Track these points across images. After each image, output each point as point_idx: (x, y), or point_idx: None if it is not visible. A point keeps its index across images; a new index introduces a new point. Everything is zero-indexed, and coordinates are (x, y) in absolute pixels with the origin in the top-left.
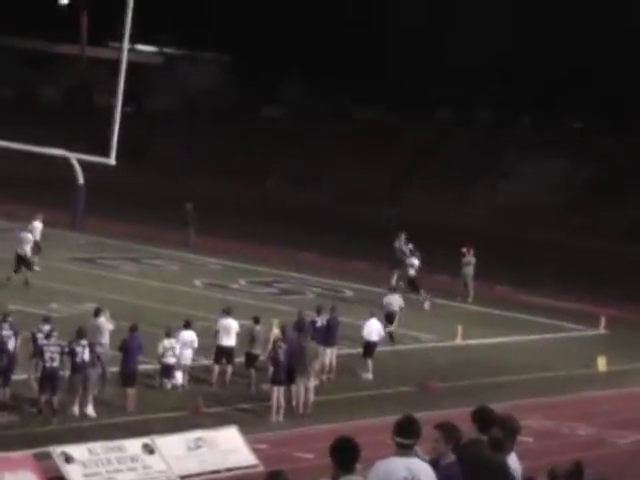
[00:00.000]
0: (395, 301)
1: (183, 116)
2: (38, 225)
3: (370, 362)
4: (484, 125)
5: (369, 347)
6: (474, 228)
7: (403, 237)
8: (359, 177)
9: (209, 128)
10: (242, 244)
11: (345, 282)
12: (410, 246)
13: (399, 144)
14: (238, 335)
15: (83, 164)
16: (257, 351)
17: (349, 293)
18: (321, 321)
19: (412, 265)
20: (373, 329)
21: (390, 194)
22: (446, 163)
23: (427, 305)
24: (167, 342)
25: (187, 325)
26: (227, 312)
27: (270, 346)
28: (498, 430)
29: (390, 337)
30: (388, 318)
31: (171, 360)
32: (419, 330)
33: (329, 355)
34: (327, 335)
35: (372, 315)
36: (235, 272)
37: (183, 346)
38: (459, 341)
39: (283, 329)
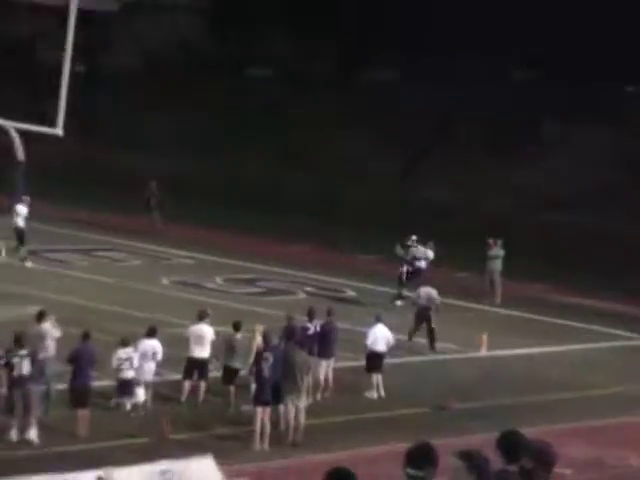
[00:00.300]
0: (426, 295)
1: (145, 77)
2: (22, 210)
3: (376, 377)
4: (515, 88)
5: (374, 359)
6: (501, 215)
7: (398, 246)
8: (364, 154)
9: (177, 92)
10: (219, 234)
11: (345, 279)
12: (413, 237)
13: (413, 114)
14: (213, 344)
15: (24, 135)
16: (237, 364)
17: (350, 293)
18: (315, 327)
19: (427, 258)
20: (379, 337)
21: (401, 175)
22: (469, 137)
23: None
24: (122, 352)
25: (151, 333)
26: (200, 316)
27: (253, 358)
28: (529, 460)
29: (430, 344)
30: (419, 317)
31: (129, 374)
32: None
33: (325, 369)
34: (322, 344)
35: (378, 320)
36: (211, 267)
37: (143, 357)
38: (484, 352)
39: (267, 337)
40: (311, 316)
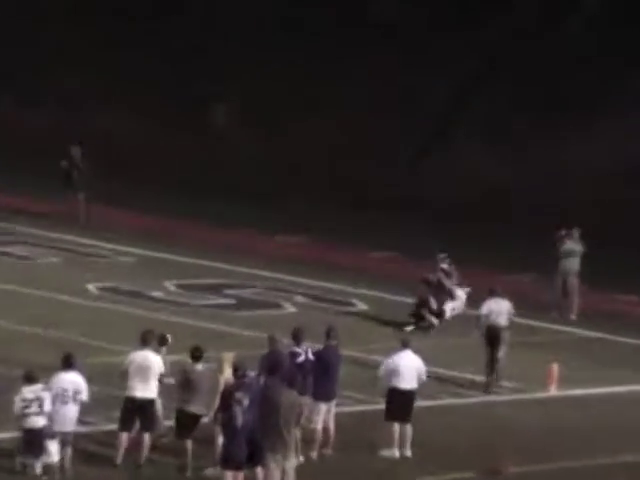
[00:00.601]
0: (499, 309)
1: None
2: None
3: (399, 428)
4: (572, 37)
5: (398, 401)
6: (567, 198)
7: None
8: (371, 113)
9: (112, 21)
10: (171, 221)
11: (352, 287)
12: (441, 255)
13: (438, 65)
14: (162, 379)
15: None
16: (196, 408)
17: (360, 306)
18: (306, 354)
19: (453, 298)
20: (402, 366)
21: (423, 144)
22: (513, 95)
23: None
24: (28, 391)
25: (68, 363)
26: (144, 340)
27: (219, 399)
28: None
29: (486, 384)
30: (493, 341)
31: (38, 422)
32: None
33: (323, 414)
34: (319, 379)
35: (405, 345)
36: (159, 269)
37: (59, 399)
38: (553, 391)
39: (240, 369)
40: (298, 338)
